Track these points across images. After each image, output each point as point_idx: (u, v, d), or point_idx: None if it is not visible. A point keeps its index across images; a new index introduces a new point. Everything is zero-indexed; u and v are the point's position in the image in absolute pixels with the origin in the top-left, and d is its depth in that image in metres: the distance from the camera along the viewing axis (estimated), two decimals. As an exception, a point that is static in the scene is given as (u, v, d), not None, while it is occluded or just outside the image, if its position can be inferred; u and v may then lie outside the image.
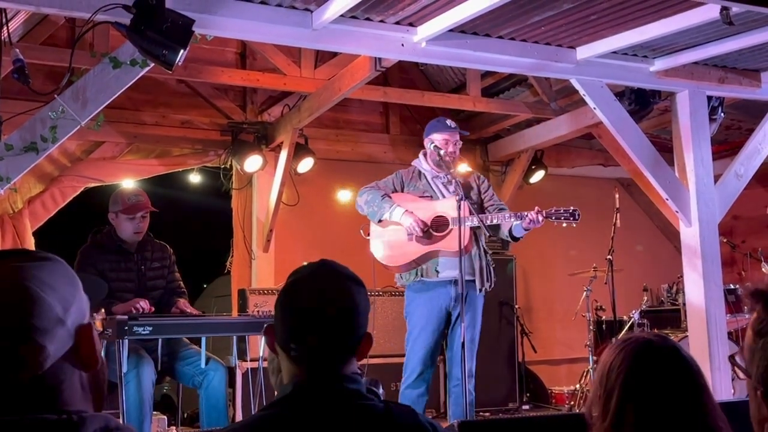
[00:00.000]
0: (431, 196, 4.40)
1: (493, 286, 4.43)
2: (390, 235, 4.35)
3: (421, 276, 4.28)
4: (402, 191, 4.43)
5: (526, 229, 4.26)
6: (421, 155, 4.55)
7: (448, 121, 4.48)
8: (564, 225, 4.25)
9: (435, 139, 4.41)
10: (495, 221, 4.27)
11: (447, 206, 4.32)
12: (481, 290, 4.33)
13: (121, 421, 1.13)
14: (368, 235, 4.45)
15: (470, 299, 4.27)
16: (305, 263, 1.73)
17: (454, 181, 4.32)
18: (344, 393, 1.55)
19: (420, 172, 4.48)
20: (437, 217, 4.31)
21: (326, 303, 1.59)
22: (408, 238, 4.27)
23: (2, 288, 1.11)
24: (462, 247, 4.09)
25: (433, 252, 4.29)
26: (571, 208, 4.24)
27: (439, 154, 4.35)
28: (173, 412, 5.32)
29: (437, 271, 4.27)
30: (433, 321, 4.25)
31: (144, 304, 4.01)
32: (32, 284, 1.11)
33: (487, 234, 4.32)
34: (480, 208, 4.39)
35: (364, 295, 1.65)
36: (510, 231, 4.34)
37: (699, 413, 1.54)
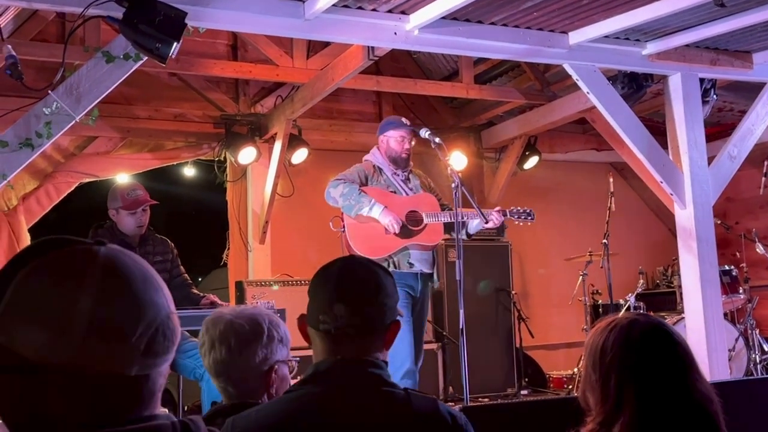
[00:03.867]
0: (395, 192, 4.52)
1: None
2: (369, 228, 4.43)
3: (393, 268, 4.36)
4: (367, 185, 4.52)
5: (482, 227, 4.52)
6: (375, 151, 4.64)
7: (403, 119, 4.64)
8: (520, 223, 4.68)
9: (391, 135, 4.54)
10: (465, 218, 4.43)
11: (420, 202, 4.50)
12: (434, 284, 4.58)
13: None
14: (338, 227, 4.53)
15: (427, 291, 4.52)
16: None
17: (412, 177, 4.59)
18: (367, 378, 1.58)
19: (380, 168, 4.58)
20: (411, 212, 4.45)
21: (355, 278, 1.67)
22: (386, 232, 4.39)
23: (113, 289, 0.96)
24: (458, 232, 4.20)
25: (405, 246, 4.43)
26: (528, 208, 4.68)
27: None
28: (173, 405, 5.33)
29: (410, 264, 4.41)
30: (409, 312, 4.35)
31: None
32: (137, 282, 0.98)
33: (469, 232, 4.57)
34: None
35: (392, 284, 1.72)
36: (467, 229, 4.57)
37: (690, 383, 1.58)
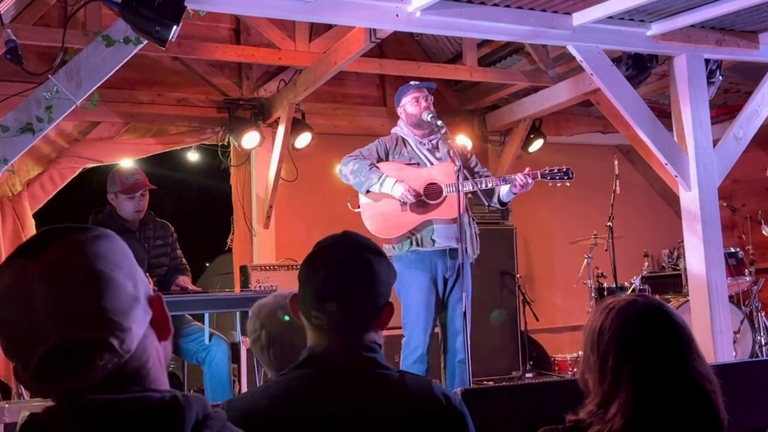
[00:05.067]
0: (418, 164, 4.28)
1: (477, 255, 4.33)
2: (383, 206, 4.19)
3: (416, 245, 4.13)
4: (387, 159, 4.29)
5: (515, 193, 4.22)
6: (400, 122, 4.41)
7: (412, 82, 4.44)
8: (558, 185, 4.23)
9: (405, 102, 4.33)
10: (489, 185, 4.19)
11: (438, 172, 4.24)
12: (469, 259, 4.23)
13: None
14: (356, 207, 4.31)
15: (459, 266, 4.14)
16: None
17: (441, 145, 4.31)
18: (361, 361, 1.57)
19: (404, 139, 4.34)
20: (429, 184, 4.20)
21: (346, 271, 1.62)
22: (402, 208, 4.14)
23: (73, 275, 1.03)
24: (460, 213, 4.01)
25: (427, 220, 4.18)
26: (565, 166, 4.19)
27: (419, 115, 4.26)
28: (180, 389, 5.37)
29: (433, 240, 4.13)
30: (432, 296, 4.13)
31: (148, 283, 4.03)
32: (101, 265, 1.05)
33: (486, 204, 4.30)
34: (470, 174, 4.27)
35: (386, 266, 1.68)
36: (498, 197, 4.29)
37: (687, 363, 1.58)
